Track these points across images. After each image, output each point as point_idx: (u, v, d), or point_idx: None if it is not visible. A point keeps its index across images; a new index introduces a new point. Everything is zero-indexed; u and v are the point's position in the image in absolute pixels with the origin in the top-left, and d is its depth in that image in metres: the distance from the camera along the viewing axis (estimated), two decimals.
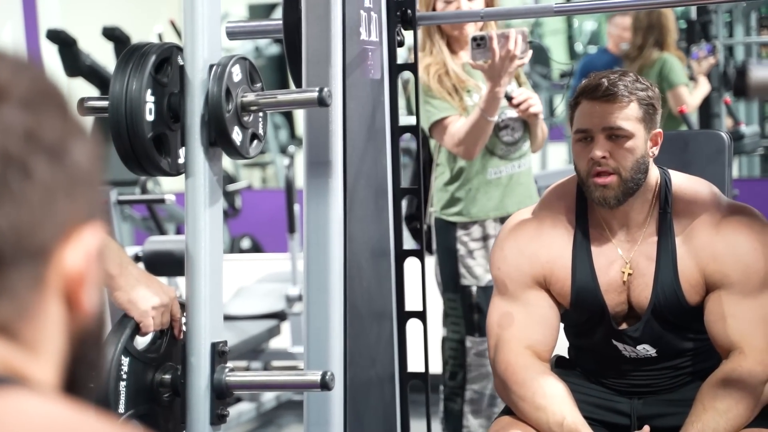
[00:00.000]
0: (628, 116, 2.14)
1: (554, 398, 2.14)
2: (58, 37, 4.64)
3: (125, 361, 1.75)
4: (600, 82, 2.16)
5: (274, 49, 8.67)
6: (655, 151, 2.19)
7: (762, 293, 2.13)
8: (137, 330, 1.77)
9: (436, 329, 3.35)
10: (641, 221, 2.20)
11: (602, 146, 2.14)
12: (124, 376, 1.74)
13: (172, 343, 1.84)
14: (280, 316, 4.33)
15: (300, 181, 4.50)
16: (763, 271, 2.13)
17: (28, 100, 0.67)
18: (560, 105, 5.99)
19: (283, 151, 8.68)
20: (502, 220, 3.08)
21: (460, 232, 3.13)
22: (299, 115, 9.39)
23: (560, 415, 2.12)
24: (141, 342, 1.80)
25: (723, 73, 5.63)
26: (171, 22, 5.53)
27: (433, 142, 3.17)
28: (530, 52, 2.86)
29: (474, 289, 3.12)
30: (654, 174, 2.21)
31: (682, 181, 2.23)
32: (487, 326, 2.30)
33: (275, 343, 4.41)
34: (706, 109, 5.28)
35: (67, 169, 0.68)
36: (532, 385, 2.16)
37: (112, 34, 4.78)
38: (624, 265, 2.21)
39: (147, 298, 1.77)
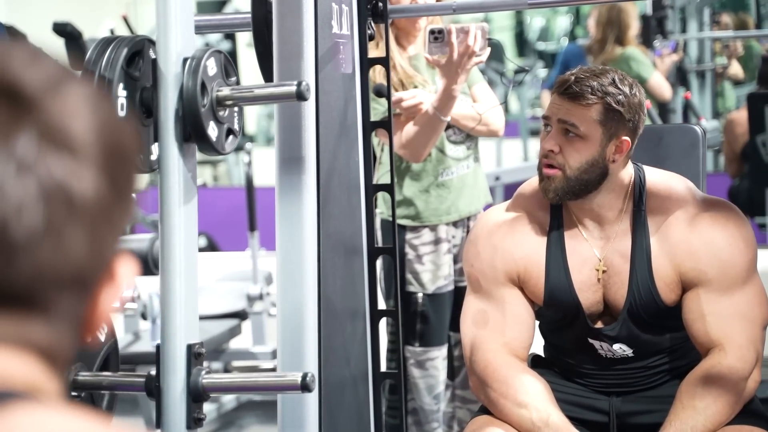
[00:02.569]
0: (585, 117, 2.10)
1: (537, 395, 2.11)
2: (8, 32, 4.54)
3: None
4: (568, 78, 2.13)
5: (225, 46, 8.59)
6: (618, 158, 2.14)
7: (740, 289, 2.12)
8: None
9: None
10: (614, 218, 2.18)
11: (555, 139, 2.12)
12: None
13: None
14: (241, 315, 4.27)
15: (258, 178, 4.45)
16: (740, 266, 2.12)
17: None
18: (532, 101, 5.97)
19: (236, 148, 8.59)
20: (455, 224, 3.02)
21: (409, 236, 3.00)
22: (250, 113, 9.31)
23: (545, 412, 2.10)
24: None
25: (678, 68, 5.67)
26: (123, 18, 5.44)
27: (375, 140, 2.95)
28: (489, 49, 2.74)
29: (420, 296, 2.99)
30: (628, 171, 2.19)
31: (657, 178, 2.21)
32: (461, 325, 2.27)
33: (236, 343, 4.35)
34: (663, 104, 5.31)
35: (127, 203, 0.68)
36: (514, 383, 2.13)
37: (64, 30, 4.68)
38: (598, 263, 2.19)
39: None
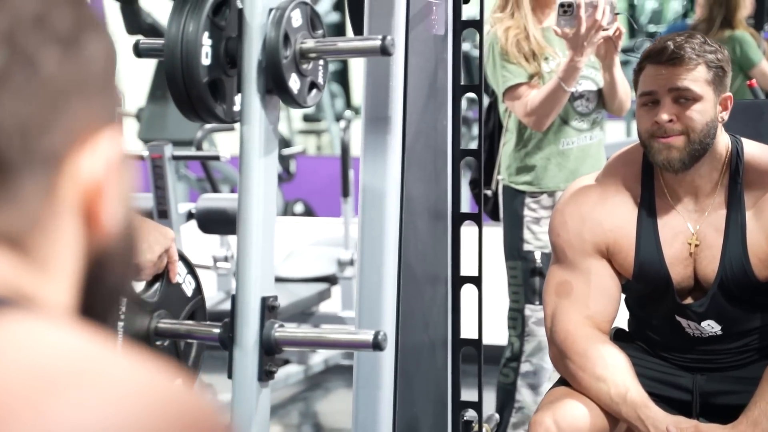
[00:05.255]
0: (696, 78, 2.03)
1: (616, 369, 2.04)
2: None
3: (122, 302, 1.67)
4: (665, 45, 2.05)
5: (333, 17, 8.59)
6: (725, 116, 2.08)
7: None
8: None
9: (495, 299, 3.24)
10: (710, 191, 2.09)
11: (669, 109, 2.03)
12: (122, 317, 1.67)
13: (167, 288, 1.77)
14: (331, 279, 4.25)
15: (356, 147, 4.42)
16: None
17: None
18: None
19: (339, 119, 8.62)
20: None
21: (528, 200, 3.04)
22: (355, 83, 9.31)
23: (623, 386, 2.02)
24: (137, 286, 1.73)
25: None
26: None
27: (502, 108, 3.06)
28: (616, 24, 2.77)
29: (537, 254, 3.02)
30: (724, 141, 2.10)
31: (755, 150, 2.11)
32: (543, 294, 2.21)
33: (325, 307, 4.34)
34: None
35: (80, 65, 0.59)
36: (592, 356, 2.06)
37: None
38: (690, 236, 2.10)
39: (152, 249, 1.70)
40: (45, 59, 0.58)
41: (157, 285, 1.76)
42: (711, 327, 2.12)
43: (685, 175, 2.08)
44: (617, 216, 2.13)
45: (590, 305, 2.11)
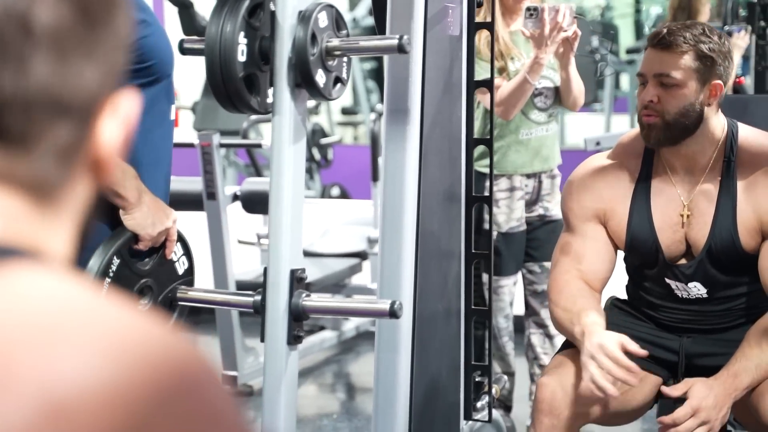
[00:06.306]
0: (680, 65, 2.03)
1: (584, 305, 2.07)
2: (178, 0, 4.61)
3: (115, 262, 1.70)
4: (660, 31, 2.07)
5: (370, 21, 8.58)
6: (712, 101, 2.06)
7: None
8: (133, 241, 1.73)
9: None
10: (704, 165, 2.11)
11: (651, 91, 2.06)
12: (111, 274, 1.70)
13: (160, 263, 1.79)
14: (361, 255, 4.27)
15: None
16: None
17: None
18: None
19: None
20: (528, 176, 3.16)
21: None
22: None
23: (583, 313, 2.03)
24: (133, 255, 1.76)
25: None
26: None
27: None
28: (575, 26, 2.87)
29: (494, 233, 3.12)
30: (720, 123, 2.10)
31: (749, 133, 2.13)
32: (552, 256, 2.26)
33: (356, 280, 4.36)
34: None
35: (109, 33, 0.57)
36: (567, 292, 2.11)
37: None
38: (682, 203, 2.12)
39: (154, 226, 1.73)
40: (101, 25, 0.56)
41: (151, 258, 1.78)
42: (697, 289, 2.13)
43: (680, 149, 2.10)
44: (616, 186, 2.17)
45: (582, 261, 2.16)
